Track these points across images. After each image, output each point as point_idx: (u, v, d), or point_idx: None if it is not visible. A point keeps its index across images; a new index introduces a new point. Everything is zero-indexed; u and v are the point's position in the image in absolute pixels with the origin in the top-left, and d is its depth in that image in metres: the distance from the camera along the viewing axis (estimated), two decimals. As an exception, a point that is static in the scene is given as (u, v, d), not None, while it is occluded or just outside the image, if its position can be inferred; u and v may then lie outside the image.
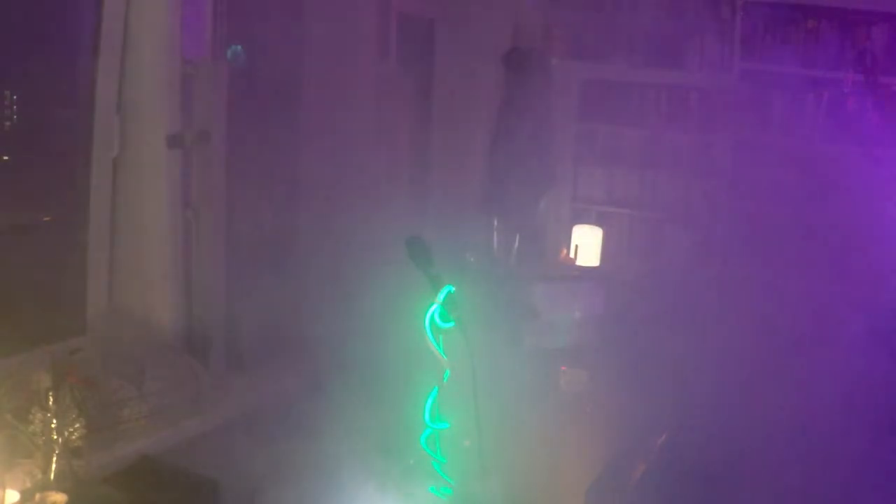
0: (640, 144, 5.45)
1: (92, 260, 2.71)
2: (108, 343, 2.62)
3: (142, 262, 2.77)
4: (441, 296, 2.15)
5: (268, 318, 3.07)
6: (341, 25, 3.55)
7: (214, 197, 2.88)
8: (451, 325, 2.16)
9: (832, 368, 3.78)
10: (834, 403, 3.56)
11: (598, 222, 5.33)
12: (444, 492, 2.30)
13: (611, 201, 5.55)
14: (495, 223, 4.65)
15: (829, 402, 3.56)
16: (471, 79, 4.70)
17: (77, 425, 2.12)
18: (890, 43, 4.92)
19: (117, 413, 2.39)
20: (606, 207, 5.53)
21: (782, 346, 4.06)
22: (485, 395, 2.14)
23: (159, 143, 2.71)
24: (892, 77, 4.86)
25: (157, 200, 2.74)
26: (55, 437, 2.08)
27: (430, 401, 2.24)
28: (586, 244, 5.09)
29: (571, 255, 5.13)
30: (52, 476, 2.08)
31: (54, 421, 2.08)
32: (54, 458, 2.08)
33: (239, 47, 3.07)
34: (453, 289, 2.16)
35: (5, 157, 2.56)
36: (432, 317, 2.17)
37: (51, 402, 2.09)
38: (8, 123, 2.51)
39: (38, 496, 2.01)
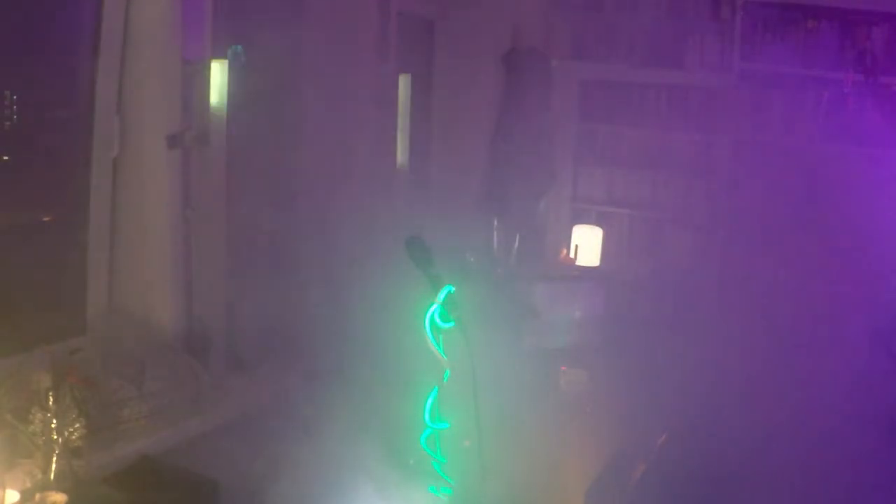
0: (640, 144, 5.44)
1: (92, 260, 2.71)
2: (108, 343, 2.62)
3: (142, 261, 2.77)
4: (441, 296, 2.16)
5: (268, 318, 3.07)
6: (341, 25, 3.55)
7: (214, 197, 2.88)
8: (451, 325, 2.16)
9: (832, 368, 3.78)
10: (834, 403, 3.57)
11: (598, 222, 5.33)
12: (444, 492, 2.30)
13: (611, 201, 5.54)
14: (495, 223, 4.66)
15: (829, 402, 3.56)
16: (471, 79, 4.70)
17: (77, 425, 2.12)
18: (890, 43, 4.92)
19: (117, 413, 2.39)
20: (606, 207, 5.52)
21: (782, 346, 4.06)
22: (485, 395, 2.13)
23: (159, 143, 2.70)
24: (892, 77, 4.86)
25: (157, 200, 2.74)
26: (55, 437, 2.08)
27: (430, 401, 2.25)
28: (586, 244, 5.10)
29: (571, 255, 5.13)
30: (52, 476, 2.08)
31: (54, 421, 2.08)
32: (54, 458, 2.08)
33: (239, 47, 3.06)
34: (453, 289, 2.16)
35: (5, 157, 2.55)
36: (432, 317, 2.17)
37: (51, 402, 2.09)
38: (8, 123, 2.50)
39: (38, 496, 2.01)
